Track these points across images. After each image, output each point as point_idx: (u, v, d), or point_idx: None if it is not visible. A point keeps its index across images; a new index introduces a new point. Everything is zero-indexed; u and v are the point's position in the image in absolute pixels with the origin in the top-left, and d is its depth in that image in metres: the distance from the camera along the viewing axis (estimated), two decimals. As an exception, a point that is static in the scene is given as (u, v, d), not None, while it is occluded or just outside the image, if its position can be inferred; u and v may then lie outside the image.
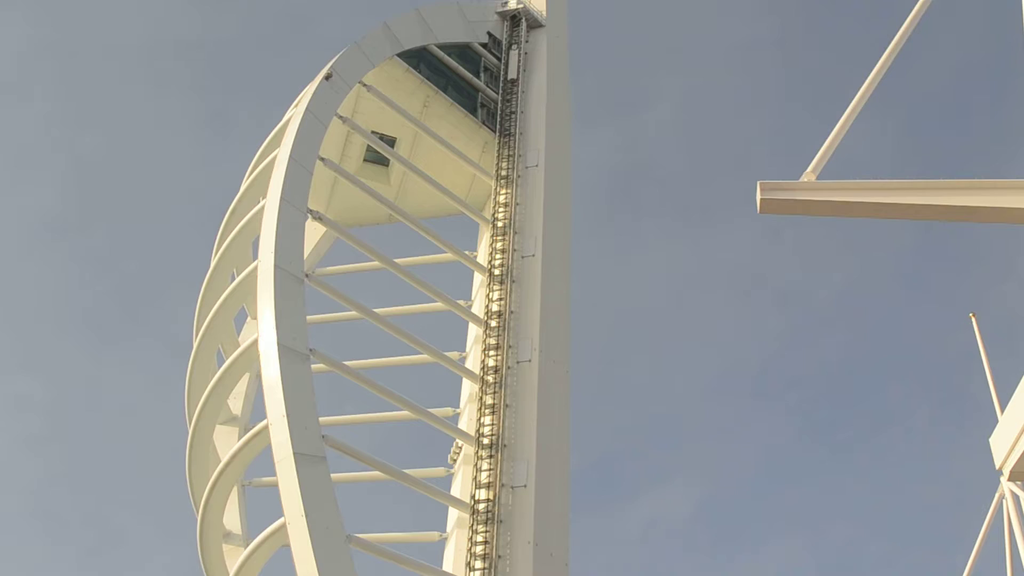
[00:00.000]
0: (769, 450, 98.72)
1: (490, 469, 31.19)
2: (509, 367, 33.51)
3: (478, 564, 29.52)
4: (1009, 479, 29.33)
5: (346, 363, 32.31)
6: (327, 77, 36.45)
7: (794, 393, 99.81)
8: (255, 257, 32.37)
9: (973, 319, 34.38)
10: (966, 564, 29.81)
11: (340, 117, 37.06)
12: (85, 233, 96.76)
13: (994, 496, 29.73)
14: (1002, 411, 30.93)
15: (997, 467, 28.89)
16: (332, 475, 28.41)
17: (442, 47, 40.60)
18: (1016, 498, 29.84)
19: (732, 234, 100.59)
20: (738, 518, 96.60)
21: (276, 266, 30.64)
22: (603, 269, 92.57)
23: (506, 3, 43.73)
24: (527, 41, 42.79)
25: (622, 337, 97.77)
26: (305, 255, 34.40)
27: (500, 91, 42.03)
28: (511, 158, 39.51)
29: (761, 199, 18.71)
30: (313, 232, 38.53)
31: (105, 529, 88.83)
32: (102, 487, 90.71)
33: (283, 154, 34.03)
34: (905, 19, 20.18)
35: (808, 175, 19.44)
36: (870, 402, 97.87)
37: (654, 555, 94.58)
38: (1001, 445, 28.02)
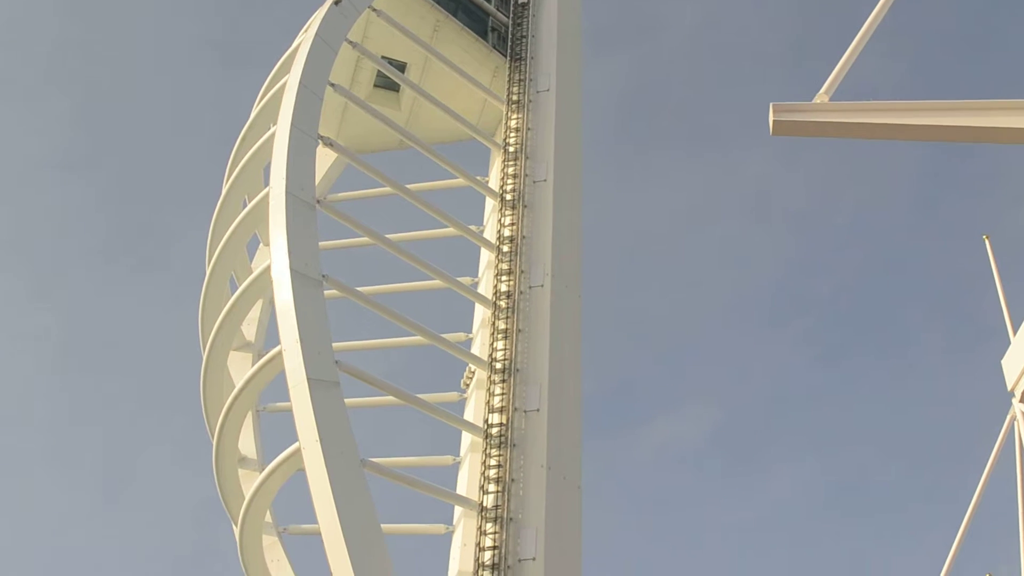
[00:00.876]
0: (783, 374, 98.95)
1: (503, 393, 31.34)
2: (521, 292, 33.55)
3: (491, 487, 29.75)
4: (1021, 400, 29.41)
5: (359, 289, 32.39)
6: (336, 2, 36.21)
7: (808, 317, 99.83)
8: (266, 184, 32.36)
9: (987, 241, 34.30)
10: (977, 486, 29.94)
11: (350, 42, 36.85)
12: (96, 162, 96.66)
13: (1006, 418, 29.82)
14: (1015, 333, 31.02)
15: (1009, 388, 29.05)
16: (346, 400, 28.60)
17: (452, -30, 40.29)
18: (1028, 419, 29.98)
19: (745, 159, 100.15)
20: (751, 441, 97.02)
21: (288, 192, 30.63)
22: (615, 194, 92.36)
23: (516, -75, 43.26)
24: (538, -36, 42.39)
25: (635, 263, 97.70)
26: (316, 181, 34.32)
27: (511, 15, 41.73)
28: (522, 82, 39.31)
29: (774, 121, 18.64)
30: (324, 158, 38.44)
31: (122, 456, 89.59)
32: (118, 415, 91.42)
33: (293, 80, 33.90)
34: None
35: (821, 97, 19.36)
36: (883, 326, 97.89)
37: (667, 479, 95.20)
38: (1013, 367, 28.16)
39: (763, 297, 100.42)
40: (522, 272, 33.98)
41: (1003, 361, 28.76)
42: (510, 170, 36.86)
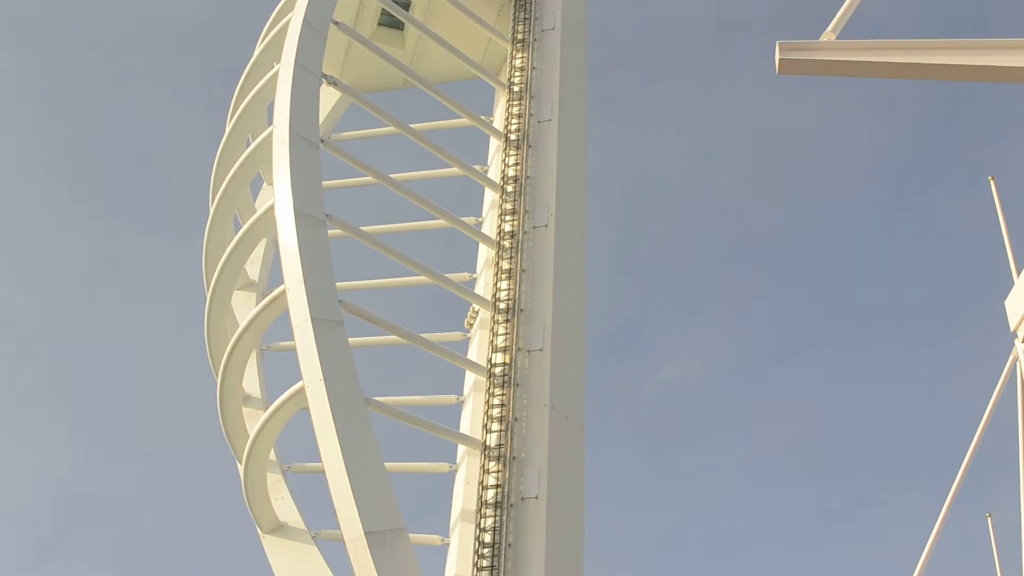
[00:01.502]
0: (789, 314, 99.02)
1: (506, 333, 31.41)
2: (525, 232, 33.54)
3: (495, 426, 29.90)
4: (1023, 341, 29.47)
5: (363, 228, 32.37)
6: (340, -61, 35.91)
7: (813, 259, 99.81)
8: (270, 123, 32.26)
9: (992, 182, 34.27)
10: (977, 427, 30.05)
11: (354, -20, 36.63)
12: (93, 99, 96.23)
13: (1008, 359, 29.89)
14: (1018, 274, 31.02)
15: (1012, 329, 29.07)
16: (350, 339, 28.68)
17: (456, -93, 39.90)
18: (1030, 361, 30.03)
19: (752, 98, 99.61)
20: (756, 380, 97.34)
21: (291, 131, 30.56)
22: (621, 135, 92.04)
23: None
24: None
25: (641, 204, 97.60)
26: (320, 121, 34.25)
27: (515, -48, 41.38)
28: (527, 21, 39.07)
29: (780, 59, 18.59)
30: (328, 97, 38.30)
31: (126, 395, 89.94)
32: (122, 351, 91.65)
33: (296, 18, 33.71)
34: None
35: (828, 35, 19.31)
36: (887, 266, 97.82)
37: (672, 417, 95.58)
38: (1016, 308, 28.18)
39: (771, 237, 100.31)
40: (526, 212, 33.96)
41: (1006, 302, 28.79)
42: (515, 110, 36.72)
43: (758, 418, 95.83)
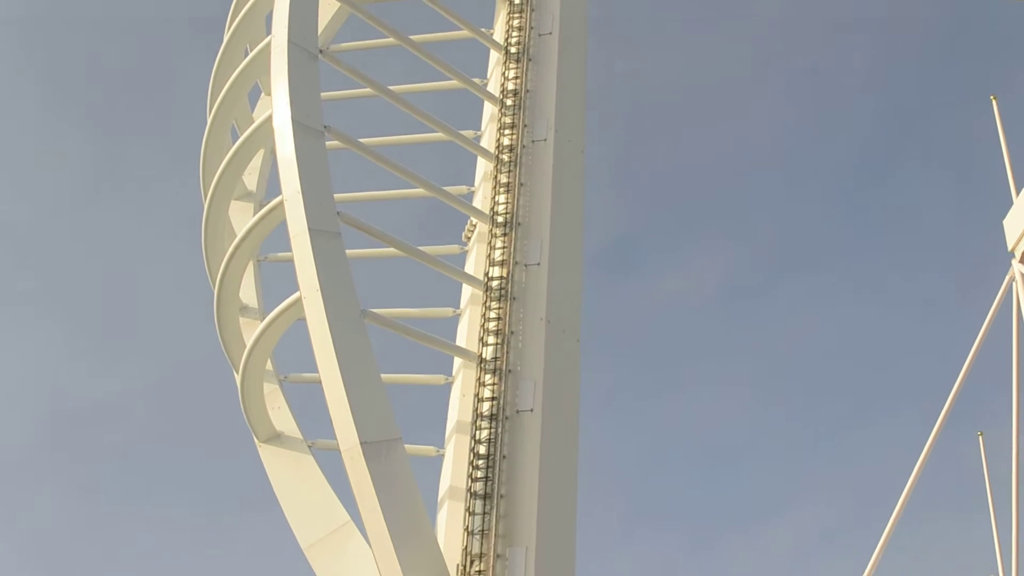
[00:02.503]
0: (787, 234, 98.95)
1: (504, 247, 31.41)
2: (524, 146, 33.43)
3: (491, 339, 30.01)
4: (1021, 261, 29.47)
5: (361, 140, 32.23)
6: None
7: (812, 179, 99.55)
8: (268, 33, 32.01)
9: (994, 102, 34.08)
10: (971, 346, 30.14)
11: None
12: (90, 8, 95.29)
13: (1004, 278, 29.92)
14: (1017, 194, 30.97)
15: (1009, 249, 29.09)
16: (347, 251, 28.70)
17: None
18: (1026, 280, 30.03)
19: (755, 12, 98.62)
20: (752, 299, 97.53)
21: (290, 41, 30.33)
22: (622, 51, 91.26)
23: None
24: None
25: (641, 121, 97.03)
26: (319, 31, 33.94)
27: None
28: (528, -68, 38.60)
29: None
30: (326, 7, 37.88)
31: (123, 305, 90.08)
32: (119, 261, 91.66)
33: (295, -74, 33.28)
34: None
35: None
36: (889, 184, 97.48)
37: (670, 333, 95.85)
38: (1014, 227, 28.19)
39: (769, 158, 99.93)
40: (525, 126, 33.82)
41: (1004, 221, 28.76)
42: (515, 22, 36.42)
43: (754, 336, 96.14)
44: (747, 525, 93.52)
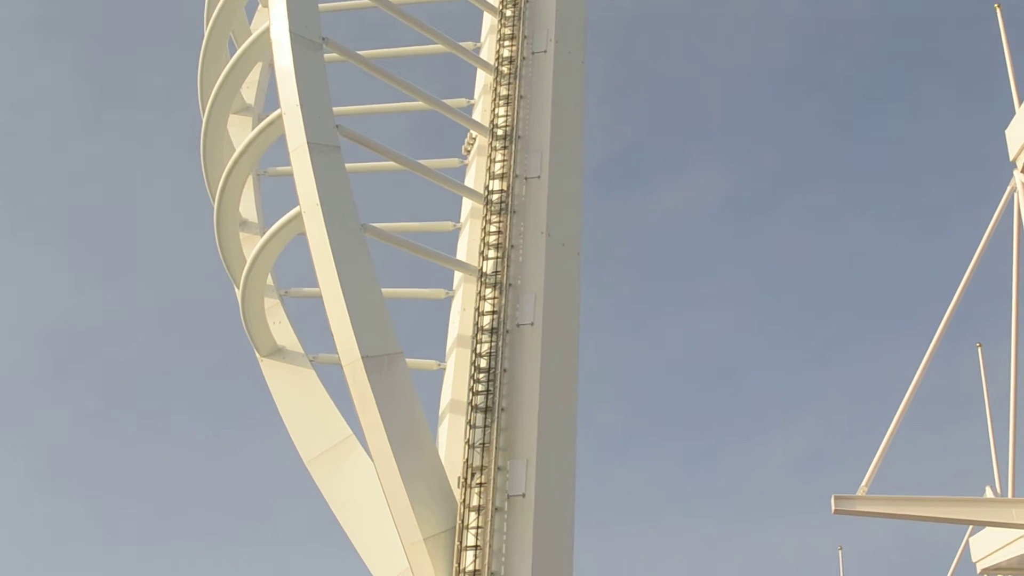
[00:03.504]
0: (790, 148, 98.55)
1: (504, 160, 31.25)
2: (524, 58, 33.11)
3: (491, 253, 29.96)
4: (1022, 171, 29.32)
5: (360, 53, 31.93)
6: None
7: (815, 92, 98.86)
8: (264, -57, 31.62)
9: (998, 10, 33.68)
10: (972, 257, 30.09)
11: None
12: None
13: (1006, 188, 29.79)
14: (1020, 104, 30.73)
15: (1011, 158, 28.93)
16: (346, 165, 28.56)
17: None
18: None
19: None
20: (754, 214, 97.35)
21: (286, -48, 29.93)
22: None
23: None
24: None
25: (643, 33, 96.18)
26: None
27: None
28: None
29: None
30: (323, -83, 37.42)
31: (124, 222, 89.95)
32: (118, 177, 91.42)
33: None
34: None
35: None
36: (893, 92, 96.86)
37: (670, 247, 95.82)
38: (1016, 137, 28.00)
39: (772, 71, 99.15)
40: (525, 37, 33.47)
41: (1007, 131, 28.57)
42: (514, -68, 35.90)
43: (755, 251, 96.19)
44: (749, 435, 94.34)
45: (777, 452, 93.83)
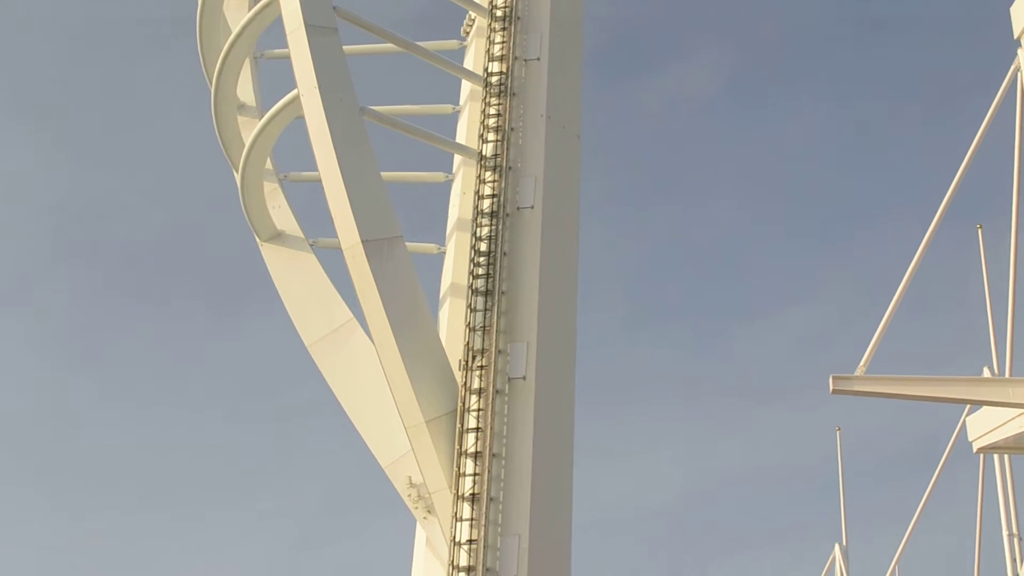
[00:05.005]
0: (798, 30, 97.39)
1: (503, 42, 30.91)
2: (523, -63, 32.57)
3: (491, 136, 29.79)
4: (1026, 49, 28.97)
5: (356, -68, 31.45)
6: None
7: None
8: None
9: None
10: (975, 136, 29.93)
11: None
12: None
13: (1009, 68, 29.48)
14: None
15: (1015, 36, 28.59)
16: (344, 47, 28.31)
17: None
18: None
19: None
20: (763, 98, 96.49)
21: None
22: None
23: None
24: None
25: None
26: None
27: None
28: None
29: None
30: None
31: (121, 108, 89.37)
32: (118, 63, 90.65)
33: None
34: None
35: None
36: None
37: (670, 135, 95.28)
38: (1022, 14, 27.65)
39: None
40: (524, -84, 32.90)
41: (1012, 8, 28.22)
42: None
43: (758, 136, 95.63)
44: (749, 320, 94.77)
45: (778, 336, 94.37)
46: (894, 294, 23.89)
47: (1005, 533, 33.22)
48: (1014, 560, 32.74)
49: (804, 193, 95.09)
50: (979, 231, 34.52)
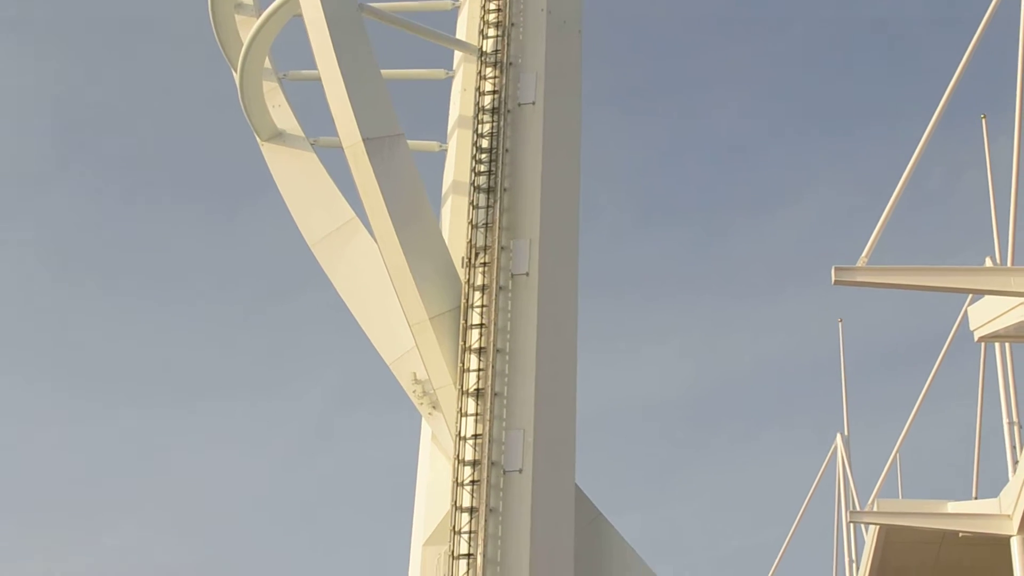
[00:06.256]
0: None
1: (502, -65, 30.52)
2: None
3: (491, 32, 29.38)
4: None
5: None
6: None
7: None
8: None
9: None
10: (978, 25, 29.69)
11: None
12: None
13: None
14: None
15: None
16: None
17: None
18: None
19: None
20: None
21: None
22: None
23: None
24: None
25: None
26: None
27: None
28: None
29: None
30: None
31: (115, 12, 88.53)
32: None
33: None
34: None
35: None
36: None
37: (671, 21, 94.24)
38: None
39: None
40: None
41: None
42: None
43: (763, 25, 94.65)
44: (757, 214, 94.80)
45: (783, 231, 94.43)
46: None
47: (1005, 421, 33.53)
48: (1014, 447, 33.08)
49: (809, 89, 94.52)
50: (983, 121, 34.42)
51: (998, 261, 29.47)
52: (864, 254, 22.40)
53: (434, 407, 26.98)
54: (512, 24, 29.51)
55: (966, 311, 29.87)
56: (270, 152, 30.61)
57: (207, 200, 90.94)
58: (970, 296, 28.93)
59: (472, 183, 28.00)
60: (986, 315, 27.00)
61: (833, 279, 22.35)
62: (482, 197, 27.63)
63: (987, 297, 26.66)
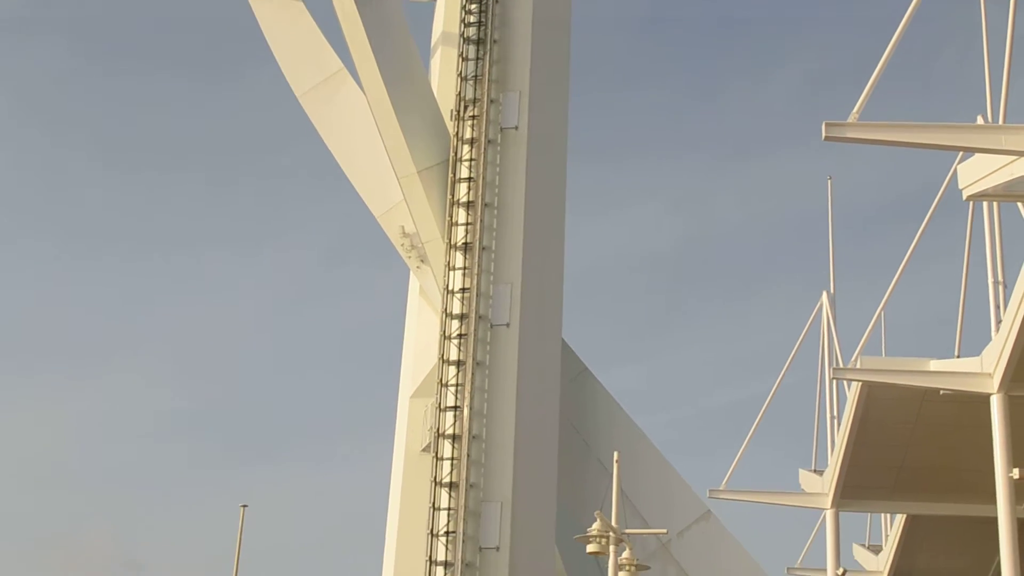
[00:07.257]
0: None
1: None
2: None
3: None
4: None
5: None
6: None
7: None
8: None
9: None
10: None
11: None
12: None
13: None
14: None
15: None
16: None
17: None
18: None
19: None
20: None
21: None
22: None
23: None
24: None
25: None
26: None
27: None
28: None
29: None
30: None
31: None
32: None
33: None
34: None
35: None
36: None
37: None
38: None
39: None
40: None
41: None
42: None
43: None
44: (746, 74, 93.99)
45: (774, 90, 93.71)
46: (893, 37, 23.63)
47: (990, 280, 33.56)
48: (998, 307, 33.24)
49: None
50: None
51: (990, 119, 29.28)
52: (855, 110, 22.17)
53: (422, 261, 27.04)
54: None
55: (956, 169, 29.77)
56: (258, 3, 30.08)
57: (192, 64, 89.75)
58: (960, 155, 28.80)
59: (462, 34, 27.69)
60: (976, 173, 26.83)
61: (824, 135, 22.16)
62: (471, 49, 27.33)
63: (977, 155, 26.51)
